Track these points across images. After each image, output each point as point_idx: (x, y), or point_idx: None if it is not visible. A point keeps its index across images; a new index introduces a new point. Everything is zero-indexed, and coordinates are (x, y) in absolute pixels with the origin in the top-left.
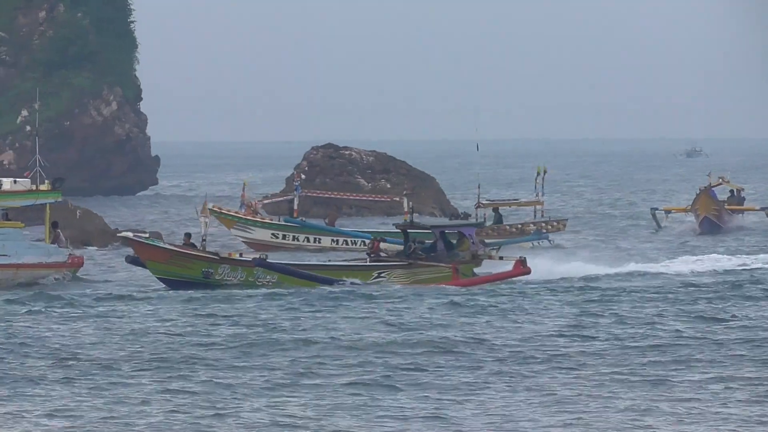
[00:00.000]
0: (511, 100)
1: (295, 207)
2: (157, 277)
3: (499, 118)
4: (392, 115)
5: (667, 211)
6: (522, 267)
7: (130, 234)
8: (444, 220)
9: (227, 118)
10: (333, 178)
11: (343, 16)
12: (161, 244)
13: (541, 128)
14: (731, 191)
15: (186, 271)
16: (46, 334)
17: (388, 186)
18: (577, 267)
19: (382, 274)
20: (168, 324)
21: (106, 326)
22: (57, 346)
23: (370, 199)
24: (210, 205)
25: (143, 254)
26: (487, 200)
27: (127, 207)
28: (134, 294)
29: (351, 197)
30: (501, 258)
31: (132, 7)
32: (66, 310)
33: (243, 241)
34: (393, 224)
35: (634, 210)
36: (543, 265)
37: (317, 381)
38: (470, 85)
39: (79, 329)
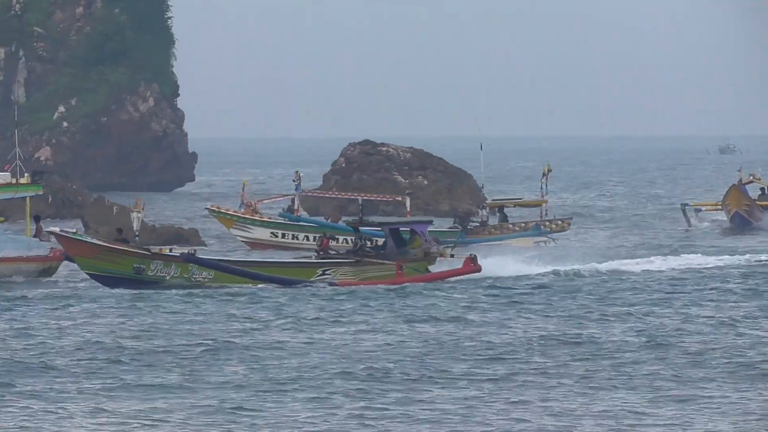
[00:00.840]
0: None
1: (296, 207)
2: (86, 273)
3: (540, 116)
4: (436, 111)
5: (697, 208)
6: (472, 265)
7: (57, 229)
8: (395, 218)
9: (266, 114)
10: (370, 175)
11: (383, 12)
12: (88, 239)
13: (578, 126)
14: (762, 188)
15: (116, 266)
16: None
17: (425, 182)
18: (520, 266)
19: (327, 272)
20: (100, 322)
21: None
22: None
23: (374, 198)
24: (208, 205)
25: (71, 249)
26: (492, 199)
27: (164, 203)
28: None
29: (354, 197)
30: (452, 255)
31: (169, 2)
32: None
33: (242, 241)
34: (343, 221)
35: (658, 206)
36: (494, 263)
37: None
38: (511, 82)
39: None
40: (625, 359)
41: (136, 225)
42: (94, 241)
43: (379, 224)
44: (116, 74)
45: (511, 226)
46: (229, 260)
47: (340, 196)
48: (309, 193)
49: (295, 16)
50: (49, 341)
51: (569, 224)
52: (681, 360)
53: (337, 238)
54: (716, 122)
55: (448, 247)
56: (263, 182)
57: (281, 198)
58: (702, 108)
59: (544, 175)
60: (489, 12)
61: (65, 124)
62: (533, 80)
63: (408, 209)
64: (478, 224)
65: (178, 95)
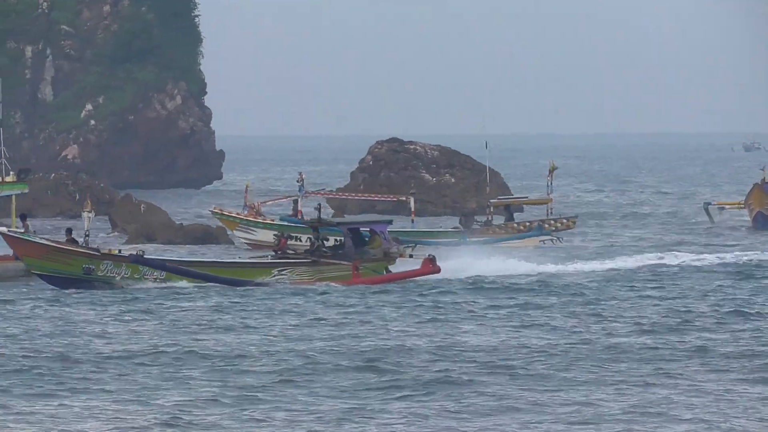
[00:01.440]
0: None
1: (299, 208)
2: (35, 273)
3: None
4: (441, 109)
5: (721, 207)
6: (431, 266)
7: (4, 229)
8: (355, 217)
9: (293, 112)
10: (397, 173)
11: (387, 11)
12: (36, 239)
13: (602, 123)
14: None
15: (65, 267)
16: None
17: (453, 180)
18: (498, 264)
19: (284, 272)
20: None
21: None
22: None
23: (377, 198)
24: (212, 207)
25: (18, 250)
26: (497, 198)
27: (191, 201)
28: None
29: (356, 197)
30: (411, 256)
31: (197, 0)
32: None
33: (246, 243)
34: (301, 221)
35: (677, 205)
36: (458, 263)
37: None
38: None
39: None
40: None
41: (86, 225)
42: (43, 241)
43: (338, 224)
44: (143, 72)
45: (515, 225)
46: (176, 260)
47: (344, 197)
48: (312, 194)
49: (312, 16)
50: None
51: (574, 223)
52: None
53: (328, 239)
54: (721, 121)
55: (408, 247)
56: (287, 180)
57: (285, 199)
58: (707, 107)
59: (550, 172)
60: (494, 11)
61: (92, 122)
62: (538, 79)
63: (412, 209)
64: (481, 224)
65: (206, 93)
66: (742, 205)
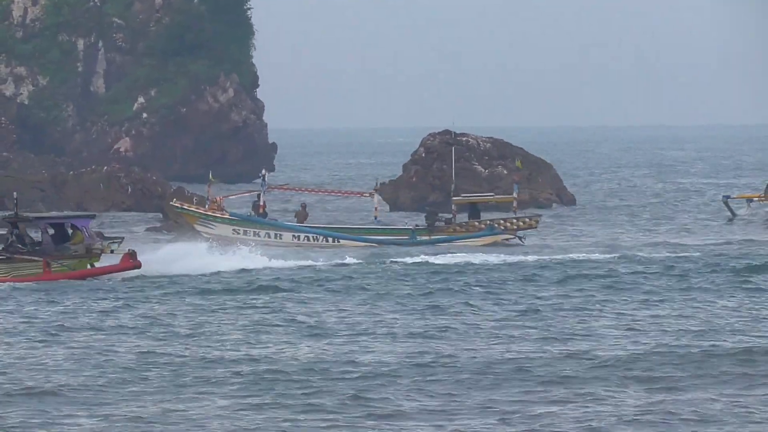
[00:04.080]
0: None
1: (261, 203)
2: None
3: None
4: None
5: (749, 200)
6: (131, 261)
7: None
8: (54, 213)
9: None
10: (450, 165)
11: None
12: None
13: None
14: None
15: None
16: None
17: (505, 172)
18: (202, 262)
19: None
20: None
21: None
22: None
23: (339, 193)
24: (173, 201)
25: None
26: (461, 196)
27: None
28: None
29: (320, 192)
30: (112, 251)
31: None
32: None
33: (207, 237)
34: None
35: (690, 196)
36: (174, 257)
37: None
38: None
39: None
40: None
41: None
42: None
43: (35, 219)
44: (195, 65)
45: (477, 224)
46: None
47: (306, 192)
48: (275, 188)
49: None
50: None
51: (537, 222)
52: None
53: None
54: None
55: (114, 242)
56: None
57: (247, 194)
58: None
59: (517, 170)
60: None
61: (144, 115)
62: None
63: (375, 205)
64: (443, 222)
65: (258, 86)
66: (764, 198)
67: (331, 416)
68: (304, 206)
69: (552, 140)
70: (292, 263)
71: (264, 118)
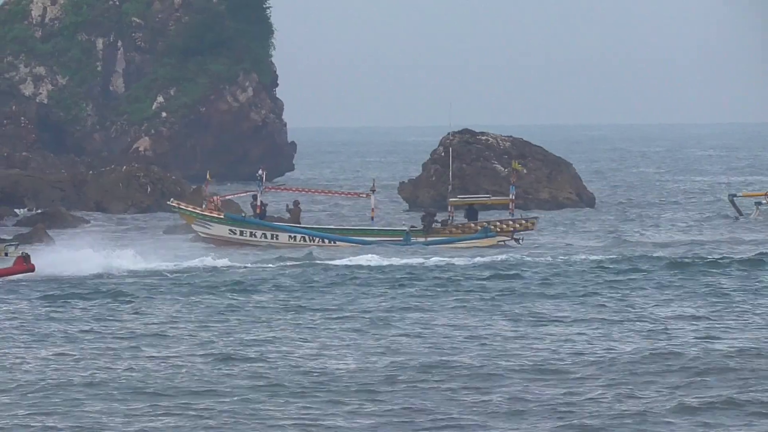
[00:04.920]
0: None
1: (258, 203)
2: None
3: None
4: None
5: (758, 200)
6: (24, 264)
7: None
8: None
9: (365, 103)
10: (469, 164)
11: (481, 4)
12: None
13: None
14: None
15: None
16: None
17: (525, 171)
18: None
19: None
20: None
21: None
22: None
23: (335, 194)
24: (170, 200)
25: None
26: (457, 197)
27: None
28: None
29: (317, 193)
30: (6, 254)
31: None
32: None
33: (204, 237)
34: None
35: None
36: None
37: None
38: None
39: None
40: None
41: None
42: None
43: None
44: (215, 64)
45: (473, 225)
46: None
47: (303, 192)
48: (271, 189)
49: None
50: None
51: (533, 224)
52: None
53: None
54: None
55: (11, 245)
56: (366, 171)
57: (244, 194)
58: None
59: (514, 171)
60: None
61: (164, 114)
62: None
63: (372, 206)
64: (440, 224)
65: (277, 85)
66: None
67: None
68: (297, 204)
69: (588, 137)
70: (167, 265)
71: (283, 117)
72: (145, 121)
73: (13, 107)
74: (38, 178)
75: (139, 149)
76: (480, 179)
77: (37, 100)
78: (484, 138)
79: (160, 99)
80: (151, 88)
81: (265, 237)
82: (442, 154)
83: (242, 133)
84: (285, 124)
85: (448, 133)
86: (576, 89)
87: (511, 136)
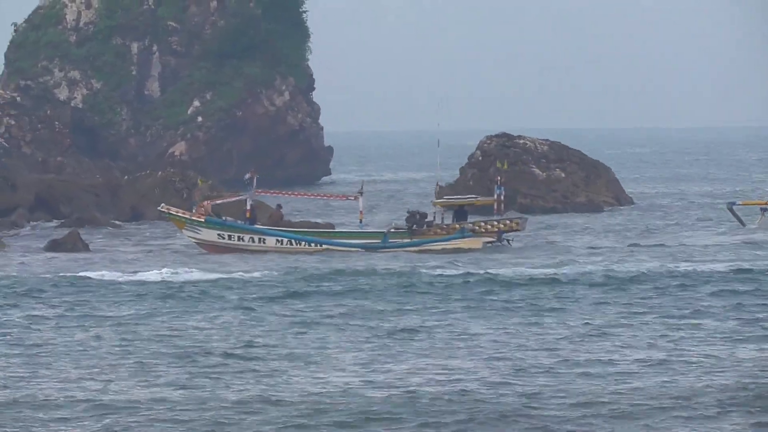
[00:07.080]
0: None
1: (247, 207)
2: None
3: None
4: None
5: (764, 208)
6: None
7: None
8: None
9: (401, 107)
10: (508, 168)
11: (521, 5)
12: None
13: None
14: None
15: None
16: None
17: (563, 175)
18: None
19: None
20: None
21: None
22: None
23: (323, 197)
24: (161, 205)
25: None
26: (444, 198)
27: (299, 198)
28: None
29: (303, 196)
30: None
31: None
32: None
33: (194, 242)
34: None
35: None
36: None
37: None
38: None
39: None
40: None
41: None
42: None
43: None
44: (251, 68)
45: (457, 226)
46: None
47: (289, 196)
48: (261, 193)
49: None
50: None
51: (518, 224)
52: None
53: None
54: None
55: None
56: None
57: (234, 199)
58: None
59: (499, 170)
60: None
61: (200, 118)
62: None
63: (360, 209)
64: (425, 224)
65: (314, 89)
66: None
67: None
68: (279, 207)
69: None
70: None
71: (320, 121)
72: (181, 126)
73: (48, 112)
74: (73, 183)
75: (175, 154)
76: (517, 183)
77: (72, 105)
78: (521, 141)
79: (196, 103)
80: (187, 92)
81: (253, 241)
82: (480, 158)
83: (279, 137)
84: (322, 128)
85: (486, 137)
86: (625, 92)
87: (548, 140)
